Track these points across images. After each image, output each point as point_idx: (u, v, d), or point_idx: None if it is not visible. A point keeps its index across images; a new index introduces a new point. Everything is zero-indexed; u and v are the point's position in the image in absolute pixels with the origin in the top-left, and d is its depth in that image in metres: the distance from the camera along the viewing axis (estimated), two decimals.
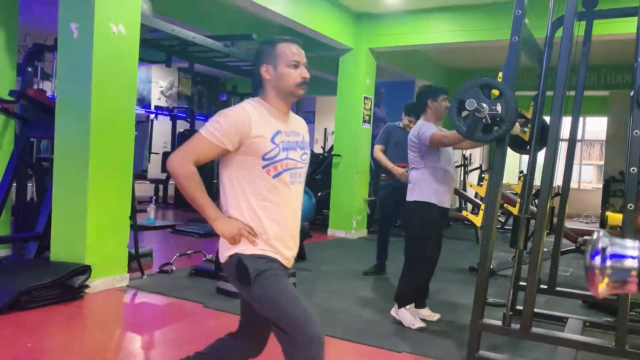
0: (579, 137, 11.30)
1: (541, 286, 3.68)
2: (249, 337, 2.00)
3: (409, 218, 3.66)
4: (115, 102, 4.09)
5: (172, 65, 6.51)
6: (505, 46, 2.96)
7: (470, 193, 8.98)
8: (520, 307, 3.03)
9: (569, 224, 6.22)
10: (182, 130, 10.68)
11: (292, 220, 1.91)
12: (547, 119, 3.04)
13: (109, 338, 3.29)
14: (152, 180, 10.56)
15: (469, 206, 9.60)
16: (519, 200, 3.20)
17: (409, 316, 3.55)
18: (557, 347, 3.05)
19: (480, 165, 11.99)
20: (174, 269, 4.80)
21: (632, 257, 1.12)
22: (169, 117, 10.84)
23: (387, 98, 10.76)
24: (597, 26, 3.88)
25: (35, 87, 5.38)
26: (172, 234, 6.98)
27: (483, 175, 10.40)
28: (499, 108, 2.75)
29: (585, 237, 5.98)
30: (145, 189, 10.37)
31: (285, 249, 1.88)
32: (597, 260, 1.13)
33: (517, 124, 3.28)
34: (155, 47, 5.54)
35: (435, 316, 3.75)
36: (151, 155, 10.63)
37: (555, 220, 3.88)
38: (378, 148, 5.10)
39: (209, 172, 8.57)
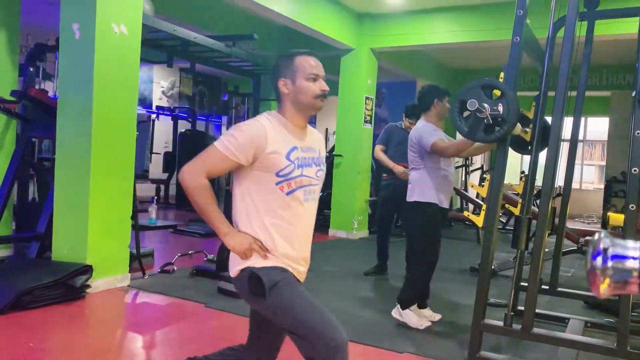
0: (580, 137, 11.30)
1: (542, 287, 3.68)
2: (260, 349, 1.98)
3: (409, 218, 3.66)
4: (116, 102, 4.09)
5: (174, 65, 6.53)
6: (507, 46, 2.96)
7: (472, 193, 8.96)
8: (522, 308, 3.03)
9: (570, 225, 6.20)
10: (183, 130, 10.71)
11: (303, 240, 1.87)
12: (549, 119, 3.04)
13: (110, 338, 3.30)
14: (153, 180, 10.59)
15: (470, 207, 9.59)
16: (520, 200, 3.20)
17: (415, 317, 3.55)
18: (559, 347, 3.05)
19: (482, 166, 11.96)
20: (175, 269, 4.80)
21: (634, 258, 1.12)
22: (170, 117, 10.87)
23: (389, 98, 10.78)
24: (599, 26, 3.87)
25: (37, 87, 5.38)
26: (174, 234, 6.99)
27: (484, 176, 10.37)
28: (500, 108, 2.75)
29: (587, 238, 5.96)
30: (146, 189, 10.37)
31: (298, 266, 1.86)
32: (599, 261, 1.12)
33: (518, 124, 3.28)
34: (156, 47, 5.56)
35: (437, 316, 3.75)
36: (152, 155, 10.66)
37: (556, 220, 3.88)
38: (379, 148, 5.12)
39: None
